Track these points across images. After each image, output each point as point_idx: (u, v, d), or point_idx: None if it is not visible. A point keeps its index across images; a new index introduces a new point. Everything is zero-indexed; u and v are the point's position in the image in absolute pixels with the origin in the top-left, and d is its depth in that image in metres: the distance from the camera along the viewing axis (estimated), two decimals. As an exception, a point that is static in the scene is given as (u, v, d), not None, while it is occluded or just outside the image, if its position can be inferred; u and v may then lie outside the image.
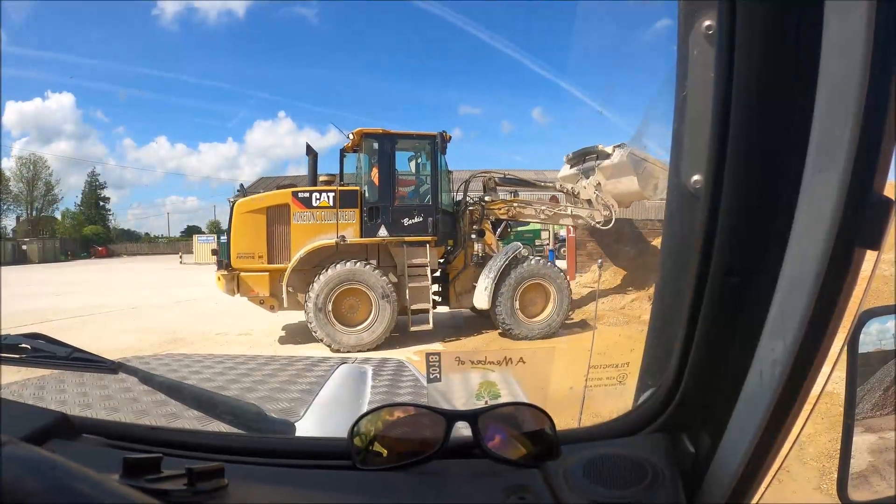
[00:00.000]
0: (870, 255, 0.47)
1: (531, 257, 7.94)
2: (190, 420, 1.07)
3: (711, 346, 0.57)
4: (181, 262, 26.80)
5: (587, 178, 8.54)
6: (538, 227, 17.50)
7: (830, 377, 0.55)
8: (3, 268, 22.32)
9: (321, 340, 7.01)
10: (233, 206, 7.38)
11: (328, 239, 7.30)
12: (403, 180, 8.12)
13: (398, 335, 7.41)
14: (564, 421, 0.74)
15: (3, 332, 0.92)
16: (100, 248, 44.49)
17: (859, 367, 0.62)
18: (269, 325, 8.09)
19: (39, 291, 13.94)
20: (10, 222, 49.67)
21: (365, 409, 0.73)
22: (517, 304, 7.49)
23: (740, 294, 0.53)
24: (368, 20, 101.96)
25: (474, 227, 8.13)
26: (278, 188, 8.00)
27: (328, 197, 7.41)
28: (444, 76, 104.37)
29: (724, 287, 0.53)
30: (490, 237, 8.29)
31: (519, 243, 8.48)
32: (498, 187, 8.64)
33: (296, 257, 7.19)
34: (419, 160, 8.31)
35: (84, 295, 13.10)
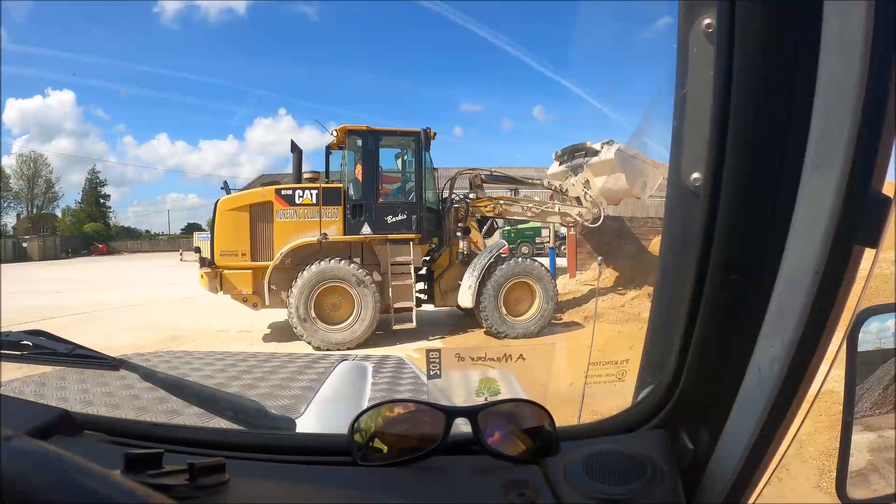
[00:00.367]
0: (868, 254, 0.47)
1: (518, 256, 7.83)
2: (191, 417, 1.07)
3: (710, 343, 0.57)
4: (182, 260, 26.73)
5: (576, 175, 8.40)
6: (538, 224, 17.47)
7: (829, 375, 0.55)
8: (3, 265, 22.34)
9: (302, 337, 6.93)
10: (216, 203, 7.30)
11: (311, 237, 7.19)
12: (387, 177, 7.99)
13: (382, 333, 7.31)
14: (564, 418, 0.74)
15: (4, 329, 0.92)
16: (100, 246, 44.26)
17: (858, 365, 0.62)
18: (269, 323, 8.07)
19: (40, 289, 13.94)
20: (10, 220, 49.90)
21: (365, 405, 0.73)
22: (502, 303, 7.40)
23: (739, 291, 0.53)
24: (370, 18, 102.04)
25: (459, 224, 7.98)
26: (263, 185, 7.87)
27: (311, 194, 7.29)
28: (446, 74, 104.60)
29: (724, 284, 0.54)
30: (476, 235, 8.15)
31: (504, 241, 8.36)
32: (484, 184, 8.51)
33: (278, 255, 7.11)
34: (405, 157, 8.16)
35: (84, 292, 13.08)
